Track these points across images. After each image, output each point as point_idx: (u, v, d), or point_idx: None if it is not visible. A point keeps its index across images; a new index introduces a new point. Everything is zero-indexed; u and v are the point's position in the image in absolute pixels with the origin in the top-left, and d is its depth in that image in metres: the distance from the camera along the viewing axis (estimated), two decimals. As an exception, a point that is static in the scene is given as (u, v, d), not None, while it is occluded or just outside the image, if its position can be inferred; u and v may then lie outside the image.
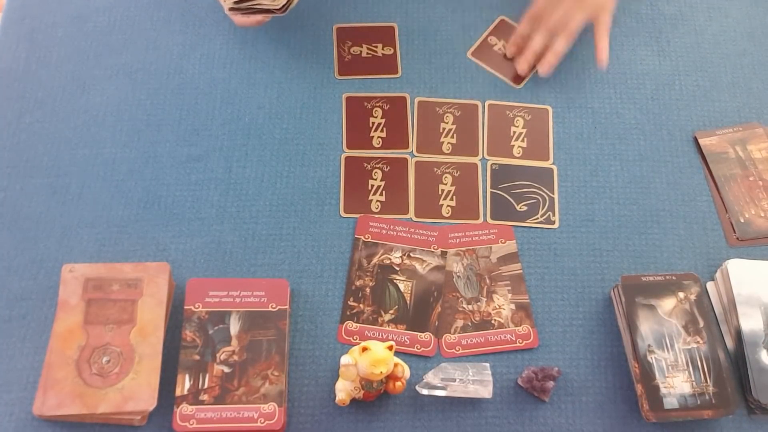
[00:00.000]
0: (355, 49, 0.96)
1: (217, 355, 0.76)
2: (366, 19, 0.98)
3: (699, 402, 0.75)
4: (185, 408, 0.74)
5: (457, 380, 0.76)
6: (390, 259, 0.85)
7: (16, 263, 0.82)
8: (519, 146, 0.92)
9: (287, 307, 0.79)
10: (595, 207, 0.89)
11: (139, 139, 0.90)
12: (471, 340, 0.81)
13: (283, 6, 0.85)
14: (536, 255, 0.86)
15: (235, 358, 0.76)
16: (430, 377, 0.77)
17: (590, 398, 0.79)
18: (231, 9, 0.86)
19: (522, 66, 0.94)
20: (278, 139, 0.91)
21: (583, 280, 0.85)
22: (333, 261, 0.84)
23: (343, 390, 0.75)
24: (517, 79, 0.95)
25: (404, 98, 0.94)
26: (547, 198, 0.89)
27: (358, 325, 0.81)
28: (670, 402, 0.75)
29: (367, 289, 0.83)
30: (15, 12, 0.97)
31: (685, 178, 0.91)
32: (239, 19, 0.89)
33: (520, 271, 0.85)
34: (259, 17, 0.88)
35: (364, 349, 0.72)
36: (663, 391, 0.75)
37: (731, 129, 0.93)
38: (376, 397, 0.77)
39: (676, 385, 0.76)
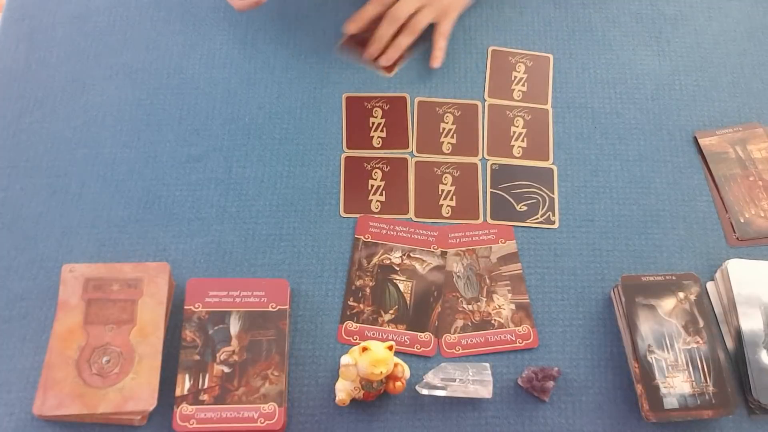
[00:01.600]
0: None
1: (217, 355, 0.76)
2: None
3: (699, 402, 0.75)
4: (185, 408, 0.74)
5: (457, 380, 0.76)
6: (390, 259, 0.85)
7: (16, 263, 0.82)
8: (519, 146, 0.92)
9: (287, 307, 0.79)
10: (595, 207, 0.89)
11: (139, 139, 0.90)
12: (471, 340, 0.81)
13: None
14: (536, 255, 0.86)
15: (235, 358, 0.76)
16: (430, 377, 0.77)
17: (590, 398, 0.79)
18: None
19: (372, 53, 0.91)
20: (278, 139, 0.91)
21: (583, 280, 0.85)
22: (333, 261, 0.84)
23: (343, 390, 0.75)
24: (388, 68, 0.94)
25: (404, 98, 0.93)
26: (547, 198, 0.89)
27: (358, 325, 0.81)
28: (670, 402, 0.75)
29: (367, 289, 0.83)
30: (15, 12, 0.97)
31: (685, 178, 0.91)
32: (237, 3, 0.87)
33: (520, 271, 0.85)
34: None
35: (364, 349, 0.72)
36: (663, 391, 0.75)
37: (731, 129, 0.93)
38: (376, 397, 0.77)
39: (676, 385, 0.76)
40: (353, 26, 0.92)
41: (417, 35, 0.91)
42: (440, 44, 0.92)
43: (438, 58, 0.92)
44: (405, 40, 0.91)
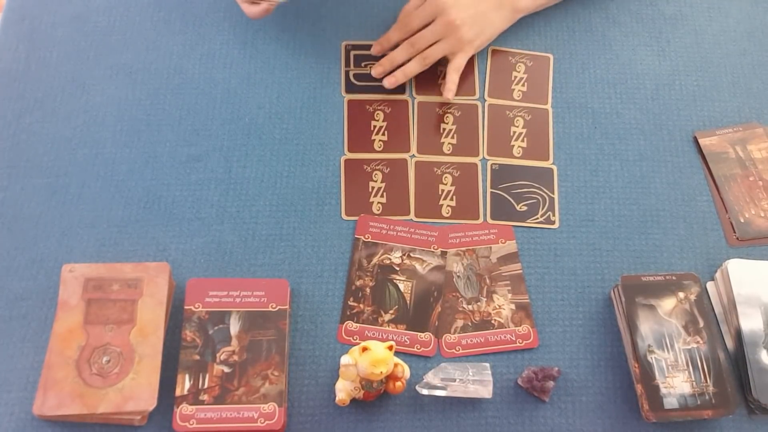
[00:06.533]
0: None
1: (217, 355, 0.76)
2: (366, 18, 0.98)
3: (699, 402, 0.75)
4: (185, 408, 0.74)
5: (457, 380, 0.76)
6: (390, 259, 0.85)
7: (16, 263, 0.82)
8: (519, 146, 0.92)
9: (287, 307, 0.79)
10: (595, 207, 0.89)
11: (139, 139, 0.90)
12: (471, 340, 0.81)
13: None
14: (536, 255, 0.86)
15: (235, 358, 0.76)
16: (430, 377, 0.77)
17: (590, 398, 0.79)
18: None
19: (378, 71, 0.92)
20: (278, 139, 0.91)
21: (583, 280, 0.85)
22: (333, 261, 0.84)
23: (343, 390, 0.75)
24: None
25: (405, 101, 0.93)
26: (547, 198, 0.89)
27: (358, 325, 0.81)
28: (670, 402, 0.75)
29: (367, 289, 0.83)
30: (15, 12, 0.97)
31: (685, 178, 0.91)
32: (247, 8, 0.87)
33: (520, 271, 0.85)
34: (264, 5, 0.86)
35: (364, 349, 0.72)
36: (663, 391, 0.75)
37: (731, 129, 0.93)
38: (376, 397, 0.77)
39: (676, 385, 0.76)
40: (378, 49, 0.94)
41: (427, 66, 0.92)
42: (453, 77, 0.91)
43: (450, 91, 0.91)
44: (414, 68, 0.91)
